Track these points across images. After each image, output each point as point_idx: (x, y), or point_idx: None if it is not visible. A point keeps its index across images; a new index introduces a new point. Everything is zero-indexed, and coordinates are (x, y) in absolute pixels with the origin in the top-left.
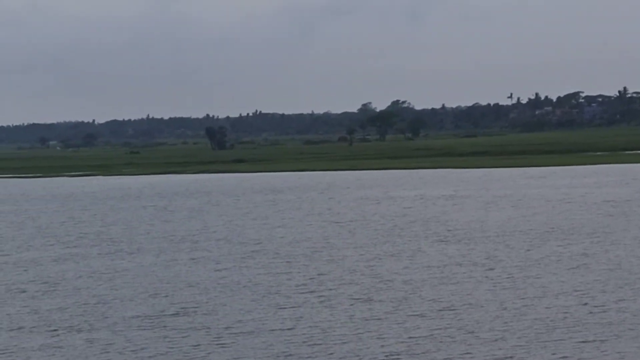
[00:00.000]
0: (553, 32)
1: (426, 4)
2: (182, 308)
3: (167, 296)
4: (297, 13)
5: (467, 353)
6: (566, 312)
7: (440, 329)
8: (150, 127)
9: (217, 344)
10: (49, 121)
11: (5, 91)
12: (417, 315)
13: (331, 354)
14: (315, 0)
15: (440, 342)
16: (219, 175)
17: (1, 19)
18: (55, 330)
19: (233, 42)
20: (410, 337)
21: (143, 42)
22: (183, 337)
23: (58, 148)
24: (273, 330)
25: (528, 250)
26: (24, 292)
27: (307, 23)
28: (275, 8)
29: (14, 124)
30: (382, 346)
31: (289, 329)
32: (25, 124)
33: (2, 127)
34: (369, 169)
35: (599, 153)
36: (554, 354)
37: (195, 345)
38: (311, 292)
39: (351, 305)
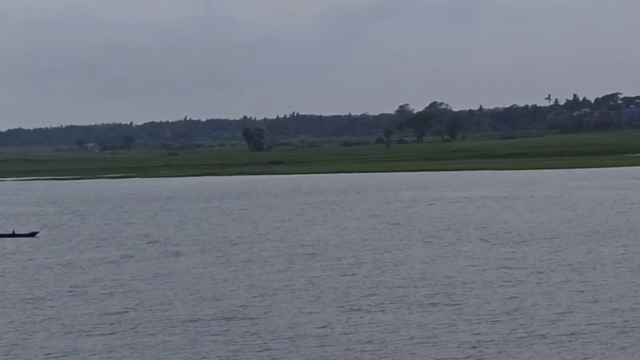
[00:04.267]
0: (592, 33)
1: (468, 5)
2: (240, 310)
3: (221, 299)
4: (340, 15)
5: (537, 355)
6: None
7: (506, 332)
8: (188, 129)
9: (279, 347)
10: (87, 123)
11: (45, 93)
12: (480, 318)
13: (393, 357)
14: (359, 2)
15: (506, 344)
16: (257, 177)
17: (42, 21)
18: (113, 332)
19: (272, 44)
20: (477, 341)
21: (183, 44)
22: (241, 339)
23: (96, 150)
24: (332, 334)
25: (588, 252)
26: (86, 293)
27: (350, 25)
28: (318, 10)
29: (53, 126)
30: (445, 350)
31: (348, 334)
32: (64, 125)
33: (41, 129)
34: (407, 171)
35: (637, 154)
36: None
37: (257, 349)
38: (372, 295)
39: (413, 308)
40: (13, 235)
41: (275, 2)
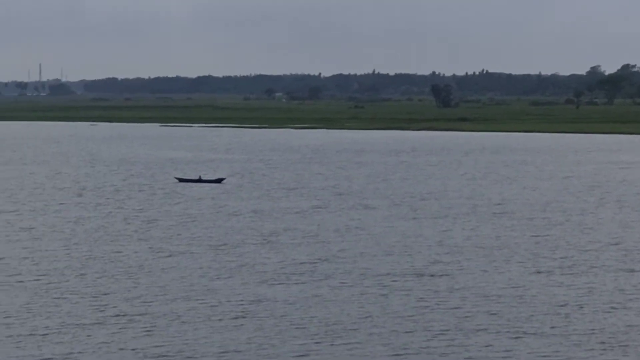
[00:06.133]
0: None
1: None
2: (430, 266)
3: (411, 254)
4: None
5: None
6: None
7: None
8: (376, 83)
9: (469, 305)
10: (275, 73)
11: (236, 41)
12: None
13: (588, 322)
14: None
15: None
16: (443, 133)
17: None
18: (304, 282)
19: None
20: None
21: None
22: (431, 296)
23: (283, 100)
24: (524, 295)
25: None
26: (276, 242)
27: None
28: None
29: (242, 74)
30: None
31: (540, 295)
32: (253, 74)
33: (230, 77)
34: (596, 133)
35: None
36: None
37: (448, 307)
38: (564, 257)
39: (607, 273)
40: (200, 180)
41: None
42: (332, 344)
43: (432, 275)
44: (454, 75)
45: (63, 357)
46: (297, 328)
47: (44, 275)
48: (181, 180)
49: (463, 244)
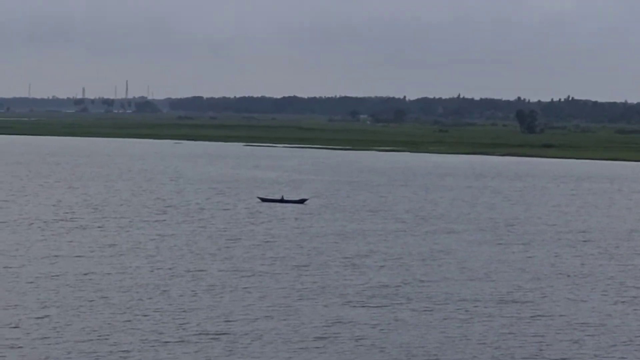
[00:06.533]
0: None
1: None
2: (513, 292)
3: (494, 280)
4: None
5: None
6: None
7: None
8: (461, 107)
9: (552, 333)
10: (360, 95)
11: (322, 62)
12: None
13: None
14: None
15: None
16: (527, 159)
17: None
18: (387, 305)
19: (558, 25)
20: None
21: (465, 20)
22: (514, 323)
23: (368, 122)
24: (608, 324)
25: None
26: (359, 264)
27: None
28: None
29: (327, 96)
30: None
31: (626, 325)
32: (338, 96)
33: (315, 98)
34: None
35: None
36: None
37: (530, 334)
38: None
39: None
40: (282, 200)
41: None
42: None
43: (515, 302)
44: (539, 101)
45: None
46: (378, 351)
47: (127, 291)
48: (264, 200)
49: (547, 271)
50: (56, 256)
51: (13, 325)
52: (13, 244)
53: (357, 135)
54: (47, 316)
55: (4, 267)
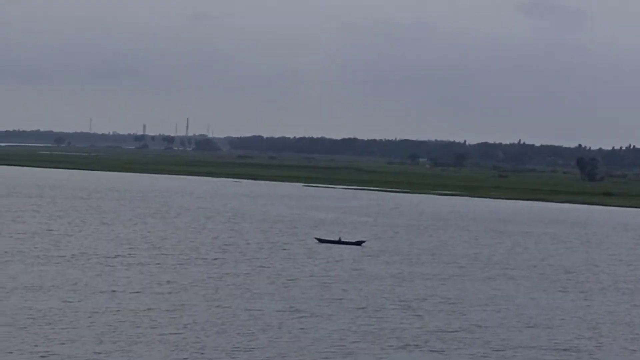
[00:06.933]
0: None
1: None
2: (572, 341)
3: (552, 327)
4: None
5: None
6: None
7: None
8: (521, 153)
9: None
10: (420, 138)
11: (382, 105)
12: None
13: None
14: None
15: None
16: (587, 207)
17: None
18: (444, 350)
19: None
20: None
21: (526, 65)
22: None
23: (427, 166)
24: None
25: None
26: (416, 307)
27: None
28: None
29: (387, 138)
30: None
31: None
32: (398, 139)
33: (375, 140)
34: None
35: None
36: None
37: None
38: None
39: None
40: (339, 242)
41: (630, 23)
42: None
43: (572, 351)
44: (600, 149)
45: None
46: None
47: (184, 328)
48: (321, 241)
49: (605, 320)
50: (113, 291)
51: (65, 357)
52: (71, 279)
53: (416, 178)
54: (103, 352)
55: (62, 301)
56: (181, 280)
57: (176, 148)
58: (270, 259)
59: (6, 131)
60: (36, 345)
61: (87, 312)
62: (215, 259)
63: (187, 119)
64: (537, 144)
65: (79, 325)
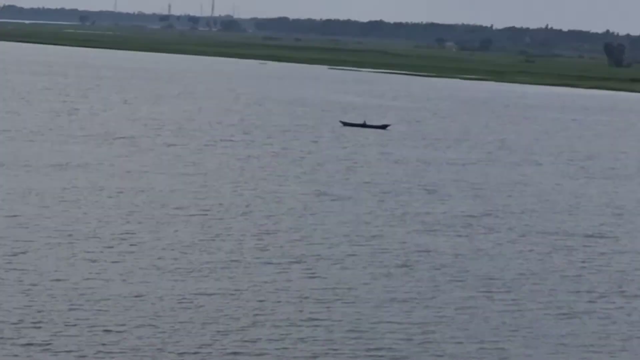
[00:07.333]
0: None
1: None
2: (596, 227)
3: (577, 214)
4: None
5: None
6: None
7: None
8: (548, 38)
9: (629, 269)
10: (447, 22)
11: None
12: None
13: None
14: None
15: None
16: (614, 93)
17: None
18: (467, 235)
19: None
20: None
21: None
22: (596, 258)
23: (454, 50)
24: None
25: None
26: (440, 192)
27: None
28: None
29: (413, 21)
30: None
31: None
32: (424, 22)
33: (402, 23)
34: None
35: None
36: None
37: (612, 269)
38: None
39: None
40: (364, 125)
41: None
42: (491, 299)
43: (597, 237)
44: (628, 34)
45: (223, 293)
46: (456, 280)
47: (208, 210)
48: (346, 124)
49: (630, 206)
50: (140, 172)
51: (91, 236)
52: (97, 158)
53: (442, 62)
54: (129, 232)
55: (90, 182)
56: (206, 162)
57: (201, 29)
58: (295, 142)
59: (31, 8)
60: (64, 224)
61: (112, 192)
62: (241, 140)
63: None
64: (565, 29)
65: (105, 205)
